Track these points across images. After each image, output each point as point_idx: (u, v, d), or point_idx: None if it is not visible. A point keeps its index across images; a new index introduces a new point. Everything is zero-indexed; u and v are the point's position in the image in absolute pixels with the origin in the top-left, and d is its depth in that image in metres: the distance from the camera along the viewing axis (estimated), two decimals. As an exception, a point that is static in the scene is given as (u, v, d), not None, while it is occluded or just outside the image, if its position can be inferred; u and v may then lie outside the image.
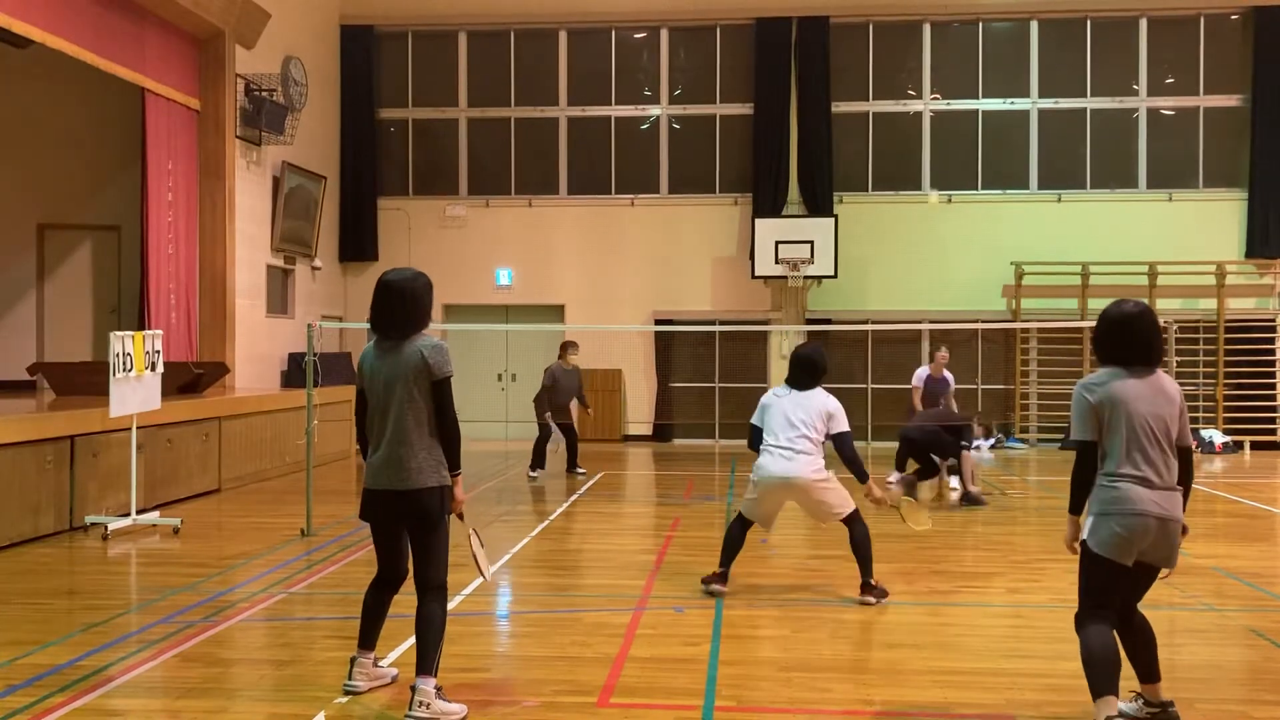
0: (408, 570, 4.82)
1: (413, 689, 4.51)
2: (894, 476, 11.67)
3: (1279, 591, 7.19)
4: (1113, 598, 4.35)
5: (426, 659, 4.53)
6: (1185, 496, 4.36)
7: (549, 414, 13.10)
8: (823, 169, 17.51)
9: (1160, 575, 4.42)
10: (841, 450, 6.71)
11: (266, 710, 4.73)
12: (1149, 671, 4.48)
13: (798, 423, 6.69)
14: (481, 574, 5.04)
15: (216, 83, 14.14)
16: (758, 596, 6.89)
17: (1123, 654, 4.37)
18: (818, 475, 6.67)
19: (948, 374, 12.69)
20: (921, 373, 12.75)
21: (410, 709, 4.48)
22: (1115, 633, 4.33)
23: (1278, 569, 8.12)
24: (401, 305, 4.66)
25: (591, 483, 12.74)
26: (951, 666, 5.38)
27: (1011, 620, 6.41)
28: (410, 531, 4.71)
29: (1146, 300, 16.86)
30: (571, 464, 13.51)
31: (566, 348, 13.37)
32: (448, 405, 4.67)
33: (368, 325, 4.79)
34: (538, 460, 13.19)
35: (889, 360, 17.62)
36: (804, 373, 6.88)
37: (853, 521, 6.77)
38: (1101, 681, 4.21)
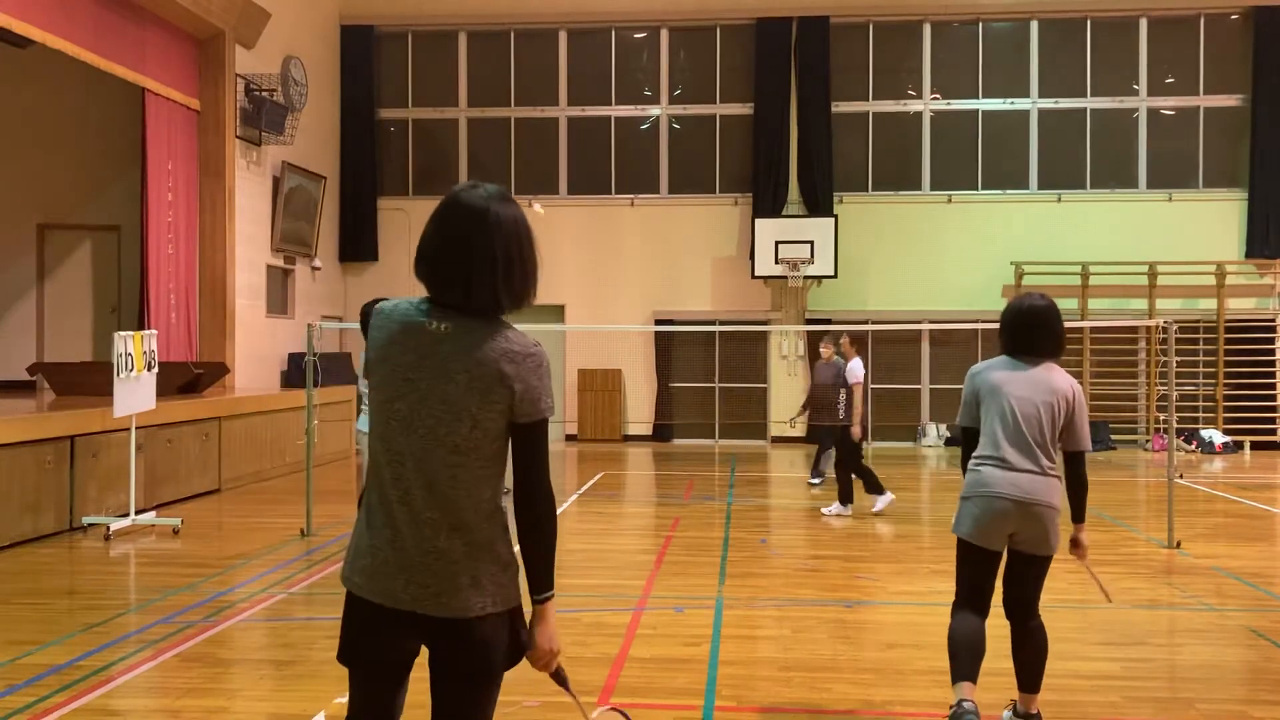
0: None
1: None
2: (833, 507, 10.24)
3: (1279, 591, 7.19)
4: (982, 584, 4.36)
5: None
6: (1075, 501, 4.33)
7: (808, 413, 11.42)
8: (823, 169, 17.51)
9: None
10: None
11: (266, 710, 4.73)
12: (1030, 681, 4.41)
13: None
14: None
15: (216, 83, 14.14)
16: (758, 596, 6.89)
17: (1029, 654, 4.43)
18: None
19: (842, 360, 10.86)
20: (855, 366, 11.02)
21: None
22: (984, 621, 4.36)
23: (1278, 569, 8.11)
24: (502, 247, 2.63)
25: (591, 483, 12.73)
26: (951, 666, 5.38)
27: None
28: (445, 686, 2.53)
29: (1147, 300, 16.99)
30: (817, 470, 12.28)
31: (836, 339, 11.43)
32: (539, 468, 2.53)
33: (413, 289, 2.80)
34: (819, 469, 12.21)
35: (889, 360, 17.64)
36: None
37: None
38: (958, 667, 4.27)
